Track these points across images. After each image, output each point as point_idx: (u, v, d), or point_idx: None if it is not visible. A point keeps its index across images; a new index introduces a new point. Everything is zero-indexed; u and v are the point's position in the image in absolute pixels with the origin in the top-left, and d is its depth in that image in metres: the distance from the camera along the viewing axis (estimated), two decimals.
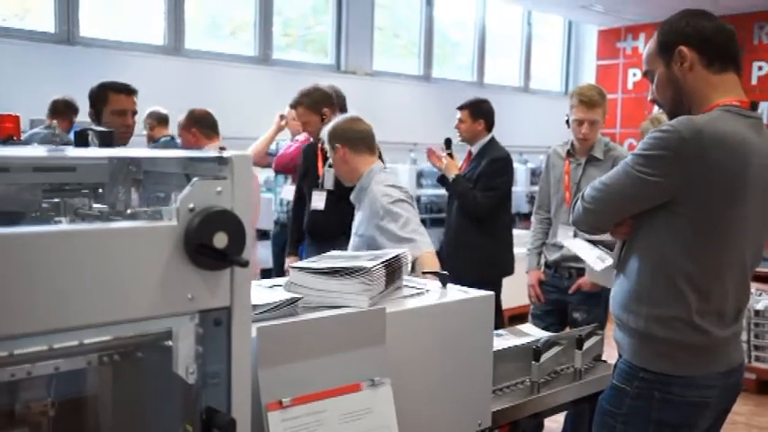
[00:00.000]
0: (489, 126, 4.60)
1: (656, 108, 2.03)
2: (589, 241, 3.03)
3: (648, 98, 2.00)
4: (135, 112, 3.43)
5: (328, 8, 8.85)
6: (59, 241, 1.01)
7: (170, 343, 1.14)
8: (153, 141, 5.79)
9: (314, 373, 1.44)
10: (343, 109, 4.47)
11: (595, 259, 2.88)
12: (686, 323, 1.82)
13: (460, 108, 4.60)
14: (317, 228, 4.11)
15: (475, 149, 4.55)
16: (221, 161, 1.16)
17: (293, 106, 4.17)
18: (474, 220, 4.40)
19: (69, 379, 1.12)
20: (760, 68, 9.87)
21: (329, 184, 4.02)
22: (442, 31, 10.25)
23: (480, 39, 10.55)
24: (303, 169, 4.35)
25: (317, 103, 4.04)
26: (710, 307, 1.83)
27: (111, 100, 3.32)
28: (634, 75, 11.02)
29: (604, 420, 1.95)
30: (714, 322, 1.84)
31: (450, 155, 4.54)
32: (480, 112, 4.55)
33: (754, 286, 6.12)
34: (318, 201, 4.08)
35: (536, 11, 11.10)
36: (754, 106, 1.85)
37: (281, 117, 5.44)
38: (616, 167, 1.90)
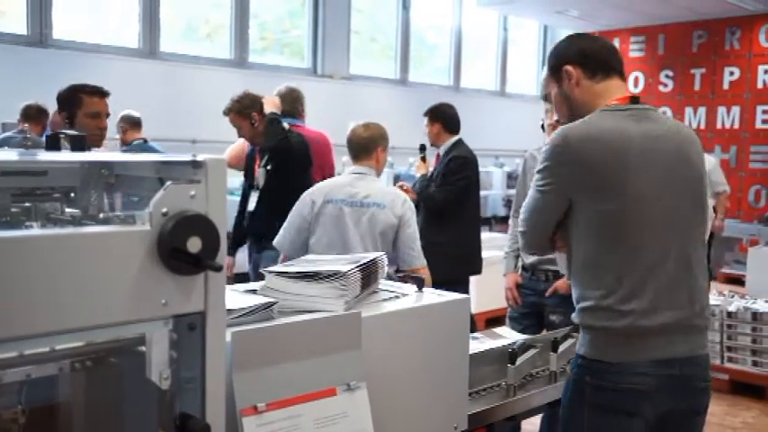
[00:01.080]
0: (449, 128, 4.73)
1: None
2: None
3: (553, 119, 2.21)
4: (108, 115, 3.41)
5: (305, 12, 8.84)
6: (30, 246, 1.00)
7: (143, 348, 1.13)
8: (125, 144, 5.75)
9: (289, 377, 1.44)
10: (303, 111, 4.73)
11: None
12: (611, 311, 1.90)
13: (425, 114, 4.80)
14: (253, 228, 4.25)
15: (442, 151, 4.73)
16: (195, 165, 1.15)
17: (225, 113, 4.24)
18: (436, 218, 4.52)
19: (41, 385, 1.11)
20: (731, 74, 10.01)
21: (261, 183, 4.19)
22: (418, 35, 10.29)
23: (456, 43, 10.60)
24: (245, 172, 4.48)
25: (247, 108, 4.14)
26: (633, 294, 1.88)
27: (85, 102, 3.28)
28: None
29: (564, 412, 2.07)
30: (639, 309, 1.88)
31: (423, 158, 4.76)
32: (437, 116, 4.72)
33: (726, 288, 6.23)
34: (253, 201, 4.25)
35: (512, 15, 11.18)
36: (633, 100, 2.01)
37: None
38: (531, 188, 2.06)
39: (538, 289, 3.66)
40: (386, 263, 2.00)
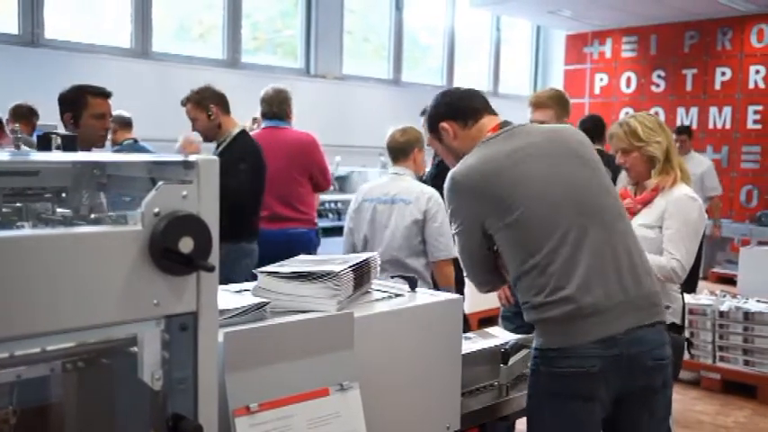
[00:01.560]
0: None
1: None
2: None
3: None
4: (111, 115, 3.44)
5: (297, 12, 8.83)
6: (22, 246, 0.99)
7: (135, 349, 1.12)
8: (116, 144, 5.72)
9: (282, 377, 1.44)
10: (291, 113, 4.72)
11: None
12: (547, 304, 2.01)
13: (422, 114, 4.89)
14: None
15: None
16: (187, 165, 1.15)
17: (183, 103, 4.23)
18: None
19: (32, 386, 1.11)
20: (723, 74, 10.05)
21: None
22: (411, 35, 10.29)
23: (449, 43, 10.61)
24: None
25: (206, 99, 4.11)
26: (559, 286, 1.99)
27: (91, 103, 3.30)
28: (601, 79, 11.16)
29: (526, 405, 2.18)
30: (569, 296, 1.98)
31: None
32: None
33: (717, 288, 6.25)
34: None
35: (504, 16, 11.19)
36: (503, 125, 2.19)
37: (254, 120, 5.42)
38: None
39: None
40: (378, 263, 2.00)
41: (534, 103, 3.83)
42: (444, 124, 2.24)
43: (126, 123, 5.83)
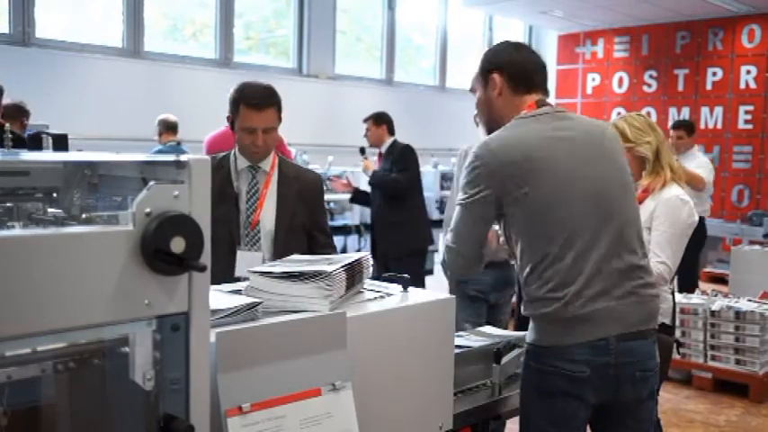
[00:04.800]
0: (391, 130, 5.74)
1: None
2: None
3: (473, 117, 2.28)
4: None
5: (290, 12, 8.82)
6: (12, 246, 0.99)
7: (127, 349, 1.12)
8: (160, 146, 6.10)
9: (274, 378, 1.44)
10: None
11: None
12: (546, 300, 2.01)
13: (366, 120, 5.76)
14: None
15: (383, 150, 5.72)
16: (179, 165, 1.15)
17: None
18: (396, 200, 5.52)
19: (23, 387, 1.10)
20: (714, 74, 10.09)
21: None
22: (404, 35, 10.29)
23: (442, 43, 10.62)
24: None
25: None
26: (564, 282, 1.98)
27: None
28: (593, 79, 11.19)
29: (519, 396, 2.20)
30: (570, 294, 1.97)
31: (365, 159, 5.85)
32: (382, 120, 5.72)
33: (709, 287, 6.26)
34: None
35: (497, 16, 11.20)
36: (540, 103, 2.12)
37: None
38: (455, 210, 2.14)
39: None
40: (370, 263, 2.00)
41: None
42: (496, 76, 2.15)
43: (171, 126, 6.26)
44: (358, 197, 6.14)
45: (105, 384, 1.18)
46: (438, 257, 6.57)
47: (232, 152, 2.84)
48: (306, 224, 2.83)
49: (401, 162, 5.53)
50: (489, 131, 2.17)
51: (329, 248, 2.85)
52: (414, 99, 9.86)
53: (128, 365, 1.12)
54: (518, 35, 12.07)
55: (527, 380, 2.12)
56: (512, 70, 2.14)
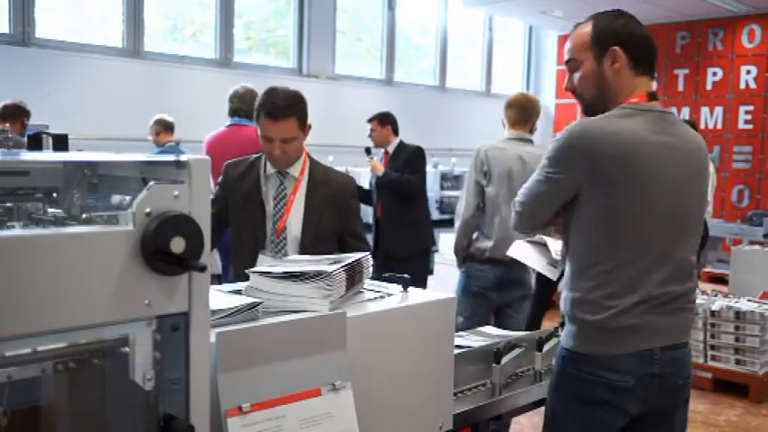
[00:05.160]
0: (396, 130, 5.76)
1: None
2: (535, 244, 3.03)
3: (564, 87, 2.10)
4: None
5: (290, 12, 8.82)
6: (13, 246, 0.99)
7: (127, 349, 1.12)
8: (159, 146, 6.08)
9: (274, 378, 1.44)
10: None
11: (546, 267, 2.89)
12: (596, 305, 1.92)
13: (370, 120, 5.77)
14: None
15: (390, 150, 5.72)
16: (179, 165, 1.15)
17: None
18: (406, 200, 5.53)
19: (23, 387, 1.10)
20: (714, 74, 10.09)
21: None
22: (404, 35, 10.29)
23: (442, 43, 10.61)
24: None
25: None
26: (622, 291, 1.90)
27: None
28: None
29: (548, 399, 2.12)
30: (624, 306, 1.90)
31: (372, 158, 5.75)
32: (386, 120, 5.74)
33: (709, 287, 6.27)
34: None
35: (497, 16, 11.20)
36: (651, 96, 1.98)
37: None
38: (534, 172, 2.04)
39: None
40: (371, 263, 2.00)
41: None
42: (619, 50, 1.95)
43: (168, 127, 6.25)
44: (360, 196, 6.12)
45: (105, 384, 1.18)
46: (439, 258, 6.58)
47: (263, 155, 2.83)
48: (335, 229, 2.78)
49: (413, 164, 5.56)
50: (590, 111, 2.02)
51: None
52: (414, 99, 9.85)
53: (128, 365, 1.12)
54: (518, 35, 12.07)
55: (562, 386, 2.03)
56: (634, 46, 1.95)
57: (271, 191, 2.76)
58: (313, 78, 8.69)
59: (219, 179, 2.91)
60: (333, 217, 2.77)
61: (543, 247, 2.83)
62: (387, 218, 5.64)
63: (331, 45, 9.04)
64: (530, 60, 12.22)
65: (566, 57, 2.06)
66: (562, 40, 11.55)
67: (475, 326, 3.18)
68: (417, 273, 4.97)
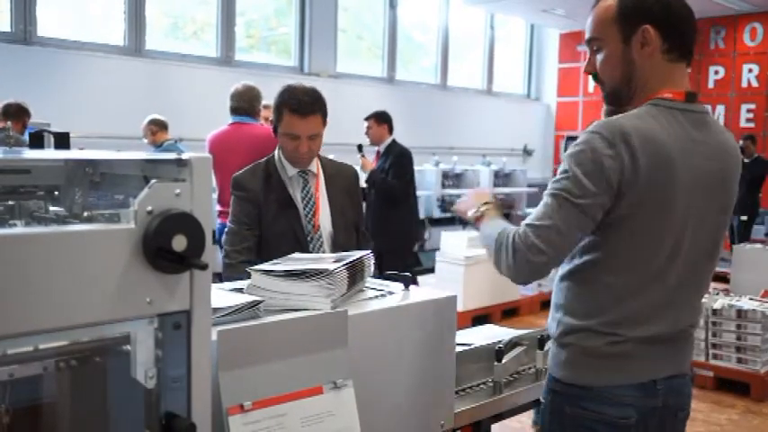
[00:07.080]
0: (391, 129, 5.90)
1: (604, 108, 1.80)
2: None
3: (583, 69, 1.80)
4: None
5: (291, 10, 8.82)
6: (14, 245, 0.99)
7: (128, 347, 1.12)
8: (156, 146, 6.14)
9: (275, 376, 1.44)
10: (260, 110, 5.07)
11: None
12: (595, 333, 1.67)
13: (367, 118, 5.90)
14: None
15: (382, 149, 5.89)
16: (180, 163, 1.15)
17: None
18: (390, 203, 5.71)
19: (25, 385, 1.10)
20: (716, 72, 10.08)
21: None
22: (405, 33, 10.29)
23: (444, 41, 10.61)
24: None
25: None
26: (625, 321, 1.66)
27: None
28: None
29: None
30: (627, 336, 1.66)
31: (363, 156, 5.93)
32: (383, 119, 5.88)
33: (710, 286, 6.26)
34: None
35: (499, 14, 11.20)
36: (690, 97, 1.68)
37: (266, 107, 5.44)
38: (546, 203, 1.61)
39: None
40: (372, 261, 2.00)
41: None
42: (651, 29, 1.62)
43: (163, 125, 6.34)
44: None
45: (107, 382, 1.18)
46: (439, 256, 6.58)
47: (275, 158, 2.77)
48: (355, 219, 2.82)
49: (398, 167, 5.73)
50: (613, 97, 1.73)
51: (368, 242, 2.83)
52: (415, 97, 9.85)
53: (129, 363, 1.12)
54: (520, 33, 12.06)
55: (556, 425, 1.74)
56: (669, 26, 1.64)
57: (297, 193, 2.72)
58: (314, 77, 8.69)
59: (235, 196, 2.74)
60: (350, 207, 2.81)
61: None
62: (372, 213, 5.79)
63: (332, 43, 9.04)
64: (531, 58, 12.22)
65: (587, 35, 1.75)
66: (564, 38, 11.55)
67: None
68: (392, 269, 5.05)
